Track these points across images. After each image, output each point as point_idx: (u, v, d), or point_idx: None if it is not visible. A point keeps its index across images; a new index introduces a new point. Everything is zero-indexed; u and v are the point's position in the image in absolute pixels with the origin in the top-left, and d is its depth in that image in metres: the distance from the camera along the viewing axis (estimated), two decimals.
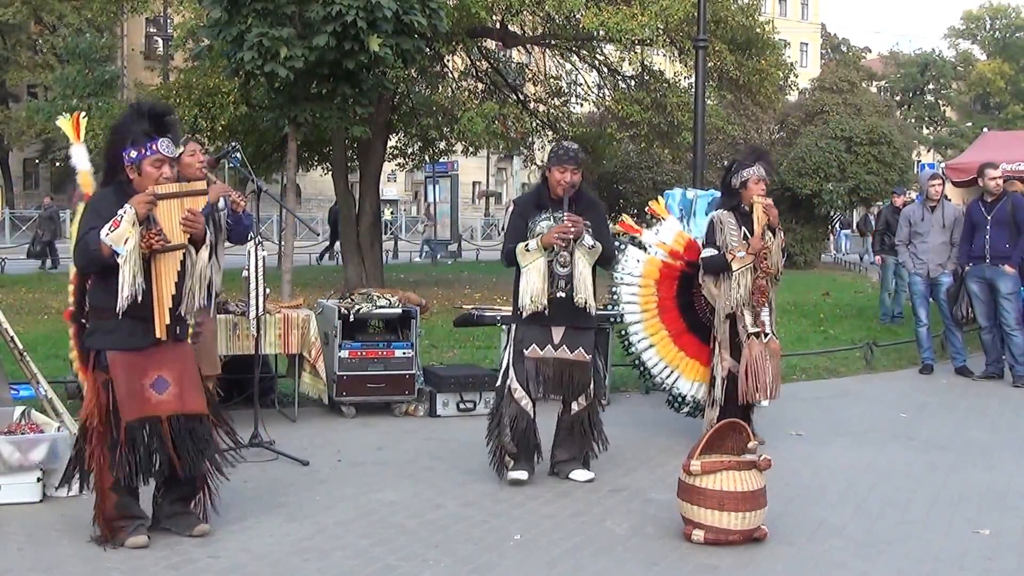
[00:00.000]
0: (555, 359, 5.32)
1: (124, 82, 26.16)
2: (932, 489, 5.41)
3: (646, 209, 6.95)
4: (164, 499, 4.42)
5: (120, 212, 4.07)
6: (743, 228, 6.00)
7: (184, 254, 4.23)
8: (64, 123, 4.67)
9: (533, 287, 5.24)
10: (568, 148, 5.42)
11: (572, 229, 5.18)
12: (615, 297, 6.68)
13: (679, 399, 6.51)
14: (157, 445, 4.21)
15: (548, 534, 4.54)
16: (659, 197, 7.13)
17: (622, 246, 6.65)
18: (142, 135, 4.20)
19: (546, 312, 5.25)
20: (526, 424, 5.32)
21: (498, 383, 5.47)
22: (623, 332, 6.72)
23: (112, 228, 4.05)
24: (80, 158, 4.75)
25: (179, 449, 4.24)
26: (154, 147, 4.19)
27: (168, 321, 4.20)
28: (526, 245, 5.29)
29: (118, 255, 4.05)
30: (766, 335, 5.98)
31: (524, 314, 5.27)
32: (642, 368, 6.62)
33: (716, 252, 6.00)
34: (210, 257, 4.38)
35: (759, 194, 6.00)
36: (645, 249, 6.59)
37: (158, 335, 4.19)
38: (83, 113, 4.81)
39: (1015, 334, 8.69)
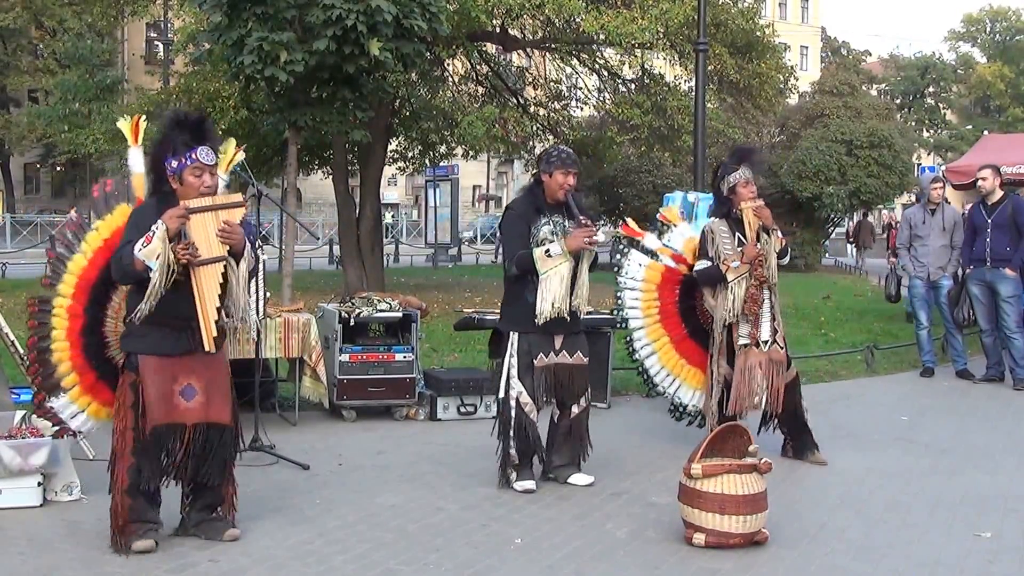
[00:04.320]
0: (557, 365, 5.31)
1: (125, 87, 26.13)
2: (933, 492, 5.41)
3: (658, 216, 6.83)
4: (192, 507, 4.45)
5: (153, 228, 4.11)
6: (737, 235, 5.89)
7: (225, 266, 4.23)
8: (123, 125, 4.63)
9: (555, 293, 5.13)
10: (568, 151, 5.41)
11: (594, 232, 5.16)
12: (619, 302, 6.55)
13: (680, 408, 6.42)
14: (180, 451, 4.24)
15: (549, 538, 4.54)
16: (670, 203, 7.02)
17: (625, 250, 6.58)
18: (182, 145, 4.23)
19: (557, 318, 5.19)
20: (535, 435, 5.31)
21: (501, 395, 5.34)
22: (627, 338, 6.58)
23: (144, 244, 4.09)
24: (136, 161, 4.69)
25: (201, 457, 4.28)
26: (194, 155, 4.22)
27: (215, 334, 4.22)
28: (546, 251, 5.14)
29: (151, 270, 4.09)
30: (765, 343, 5.87)
31: (540, 321, 5.16)
32: (645, 376, 6.50)
33: (709, 264, 5.91)
34: (253, 272, 4.38)
35: (749, 197, 5.88)
36: (650, 254, 6.46)
37: (206, 348, 4.20)
38: (143, 117, 4.74)
39: (1015, 337, 8.69)
